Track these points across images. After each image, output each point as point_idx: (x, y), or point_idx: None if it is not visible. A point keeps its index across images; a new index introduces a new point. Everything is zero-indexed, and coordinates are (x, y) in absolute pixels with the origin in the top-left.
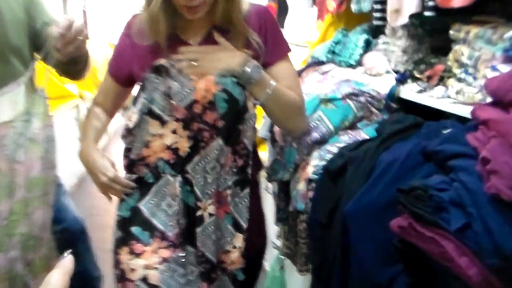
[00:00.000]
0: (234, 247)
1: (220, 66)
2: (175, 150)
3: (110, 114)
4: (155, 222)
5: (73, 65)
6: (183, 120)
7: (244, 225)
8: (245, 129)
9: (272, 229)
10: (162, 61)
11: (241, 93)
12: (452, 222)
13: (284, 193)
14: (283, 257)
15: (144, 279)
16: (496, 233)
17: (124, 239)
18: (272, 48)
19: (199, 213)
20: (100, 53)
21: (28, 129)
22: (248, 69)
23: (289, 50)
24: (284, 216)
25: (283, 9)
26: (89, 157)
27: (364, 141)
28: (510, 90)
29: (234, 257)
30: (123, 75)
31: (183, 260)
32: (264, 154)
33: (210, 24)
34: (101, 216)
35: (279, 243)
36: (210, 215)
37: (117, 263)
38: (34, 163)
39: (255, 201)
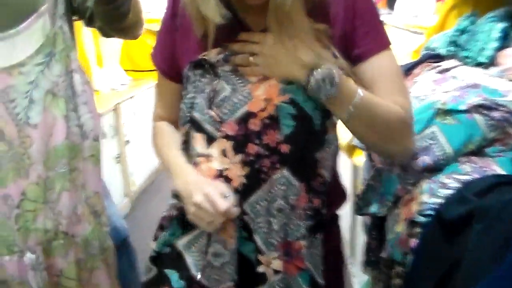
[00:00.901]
0: None
1: (278, 71)
2: (227, 180)
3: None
4: (193, 270)
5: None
6: (234, 139)
7: (321, 281)
8: (323, 157)
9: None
10: (210, 54)
11: (316, 108)
12: None
13: (377, 230)
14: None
15: None
16: None
17: (157, 281)
18: (363, 38)
19: (260, 269)
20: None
21: (45, 76)
22: (317, 79)
23: (388, 42)
24: (375, 260)
25: None
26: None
27: (498, 181)
28: None
29: None
30: (175, 69)
31: None
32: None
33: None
34: None
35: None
36: (276, 272)
37: None
38: (55, 127)
39: (334, 241)
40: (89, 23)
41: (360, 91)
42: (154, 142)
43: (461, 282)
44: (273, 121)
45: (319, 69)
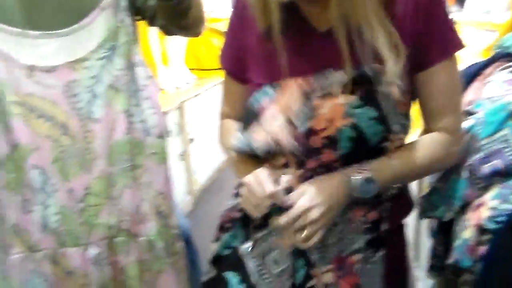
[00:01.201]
0: None
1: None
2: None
3: None
4: (255, 277)
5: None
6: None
7: None
8: None
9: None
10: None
11: (377, 134)
12: None
13: (444, 235)
14: None
15: None
16: None
17: (216, 282)
18: (431, 44)
19: (311, 283)
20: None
21: (107, 71)
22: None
23: (459, 47)
24: (441, 265)
25: None
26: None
27: None
28: None
29: None
30: (241, 69)
31: None
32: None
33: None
34: None
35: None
36: (327, 286)
37: None
38: (117, 121)
39: (396, 256)
40: (152, 22)
41: (393, 163)
42: (221, 139)
43: None
44: (331, 142)
45: (355, 186)
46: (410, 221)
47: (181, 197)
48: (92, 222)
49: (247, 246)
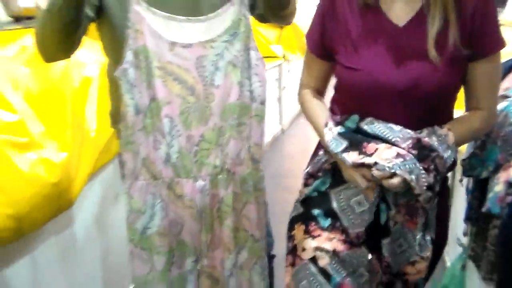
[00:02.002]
0: (422, 258)
1: None
2: None
3: (321, 93)
4: (340, 215)
5: None
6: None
7: (431, 236)
8: None
9: (459, 226)
10: None
11: None
12: None
13: (479, 191)
14: (466, 257)
15: (313, 259)
16: None
17: (304, 216)
18: (484, 41)
19: (388, 224)
20: (308, 15)
21: (229, 51)
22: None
23: (503, 45)
24: (475, 216)
25: None
26: None
27: None
28: None
29: (421, 267)
30: (324, 49)
31: (356, 259)
32: None
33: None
34: (289, 178)
35: (465, 241)
36: (395, 223)
37: (290, 237)
38: (231, 89)
39: (443, 200)
40: (251, 11)
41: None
42: (303, 106)
43: None
44: None
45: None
46: None
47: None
48: (203, 162)
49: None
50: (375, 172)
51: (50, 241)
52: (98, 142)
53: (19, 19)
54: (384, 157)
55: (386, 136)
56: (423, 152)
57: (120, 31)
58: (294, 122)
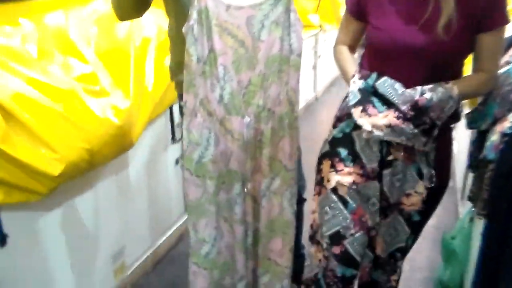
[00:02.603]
0: (416, 192)
1: None
2: None
3: (353, 49)
4: (360, 152)
5: None
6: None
7: (427, 174)
8: None
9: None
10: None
11: None
12: None
13: (480, 142)
14: (474, 210)
15: (334, 189)
16: None
17: (331, 153)
18: (491, 16)
19: (389, 158)
20: None
21: (273, 12)
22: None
23: (506, 22)
24: (475, 163)
25: None
26: None
27: None
28: None
29: (414, 200)
30: (360, 10)
31: (370, 190)
32: None
33: None
34: (320, 142)
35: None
36: (399, 164)
37: (319, 170)
38: (274, 43)
39: (446, 146)
40: None
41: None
42: (337, 57)
43: None
44: None
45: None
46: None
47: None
48: (249, 102)
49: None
50: (367, 134)
51: (109, 179)
52: (154, 95)
53: None
54: (379, 123)
55: (391, 96)
56: (419, 113)
57: None
58: (328, 90)
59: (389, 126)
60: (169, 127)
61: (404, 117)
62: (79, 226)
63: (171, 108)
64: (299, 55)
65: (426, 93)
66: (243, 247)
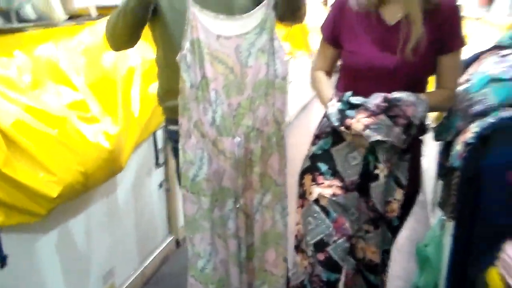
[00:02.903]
0: (395, 199)
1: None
2: None
3: (329, 74)
4: (338, 166)
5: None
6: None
7: (404, 182)
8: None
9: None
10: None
11: None
12: None
13: (446, 152)
14: (444, 218)
15: (317, 201)
16: None
17: (311, 168)
18: (451, 40)
19: (376, 171)
20: (313, 16)
21: (258, 41)
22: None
23: (463, 45)
24: (444, 172)
25: None
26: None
27: None
28: None
29: (394, 207)
30: (335, 37)
31: (349, 201)
32: None
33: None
34: (292, 164)
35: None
36: (385, 176)
37: (301, 184)
38: (261, 69)
39: (417, 156)
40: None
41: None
42: (314, 82)
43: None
44: None
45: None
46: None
47: None
48: (239, 123)
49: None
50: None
51: (100, 202)
52: (140, 121)
53: (74, 17)
54: (357, 128)
55: (364, 102)
56: (390, 103)
57: (172, 27)
58: (299, 115)
59: (367, 127)
60: (153, 152)
61: (375, 113)
62: (72, 248)
63: (154, 134)
64: (284, 79)
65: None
66: (237, 261)
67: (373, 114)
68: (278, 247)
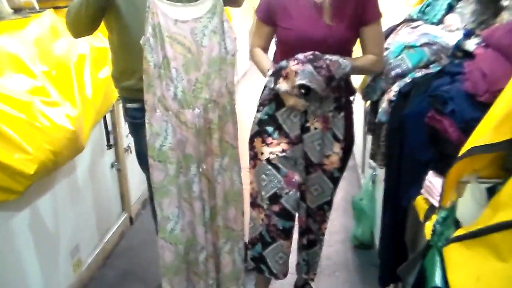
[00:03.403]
0: (334, 152)
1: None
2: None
3: (265, 50)
4: (284, 126)
5: None
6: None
7: (341, 137)
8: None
9: (367, 149)
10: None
11: None
12: (447, 108)
13: (373, 111)
14: (375, 173)
15: (268, 160)
16: (464, 111)
17: (260, 132)
18: (368, 13)
19: (307, 125)
20: None
21: (211, 23)
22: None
23: (380, 16)
24: (373, 127)
25: None
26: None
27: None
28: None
29: (333, 159)
30: (269, 17)
31: (297, 153)
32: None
33: None
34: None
35: (373, 163)
36: (315, 128)
37: (251, 147)
38: (214, 47)
39: (349, 115)
40: None
41: (351, 66)
42: (254, 58)
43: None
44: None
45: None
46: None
47: None
48: (198, 96)
49: (280, 112)
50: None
51: (62, 182)
52: (95, 104)
53: (18, 10)
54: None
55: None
56: (316, 56)
57: (127, 16)
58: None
59: (296, 72)
60: (103, 134)
61: (303, 62)
62: (42, 225)
63: (104, 117)
64: (234, 55)
65: None
66: (202, 221)
67: (301, 62)
68: (237, 204)
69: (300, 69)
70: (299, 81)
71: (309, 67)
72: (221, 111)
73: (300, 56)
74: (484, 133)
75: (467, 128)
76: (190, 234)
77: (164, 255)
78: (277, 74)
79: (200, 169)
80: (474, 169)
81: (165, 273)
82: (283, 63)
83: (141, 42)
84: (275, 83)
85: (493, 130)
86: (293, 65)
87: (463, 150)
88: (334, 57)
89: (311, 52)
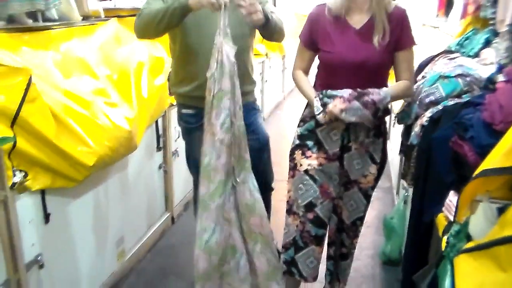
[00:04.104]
0: (370, 173)
1: None
2: None
3: (306, 73)
4: (323, 142)
5: (264, 30)
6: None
7: (378, 160)
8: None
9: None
10: None
11: None
12: (467, 134)
13: (406, 134)
14: (407, 194)
15: (306, 171)
16: (481, 138)
17: (300, 146)
18: (403, 39)
19: (349, 144)
20: (286, 22)
21: None
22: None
23: (413, 43)
24: (405, 149)
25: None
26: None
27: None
28: None
29: (369, 179)
30: (312, 42)
31: (332, 169)
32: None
33: (370, 14)
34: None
35: (405, 184)
36: (355, 149)
37: (292, 159)
38: None
39: (384, 140)
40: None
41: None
42: (297, 81)
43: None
44: None
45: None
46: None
47: None
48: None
49: (320, 128)
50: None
51: (114, 177)
52: (149, 108)
53: (86, 18)
54: (335, 111)
55: (338, 93)
56: (360, 93)
57: (191, 33)
58: (273, 112)
59: (342, 111)
60: (155, 137)
61: (348, 100)
62: (95, 213)
63: (156, 121)
64: None
65: None
66: (238, 228)
67: (347, 100)
68: (258, 213)
69: (348, 107)
70: (348, 118)
71: (356, 104)
72: (236, 130)
73: (345, 94)
74: (497, 157)
75: (483, 152)
76: (225, 244)
77: (198, 264)
78: (324, 108)
79: (234, 183)
80: (487, 190)
81: (197, 279)
82: (328, 99)
83: (207, 74)
84: (322, 114)
85: (505, 155)
86: (338, 103)
87: (477, 171)
88: (376, 90)
89: (353, 90)
